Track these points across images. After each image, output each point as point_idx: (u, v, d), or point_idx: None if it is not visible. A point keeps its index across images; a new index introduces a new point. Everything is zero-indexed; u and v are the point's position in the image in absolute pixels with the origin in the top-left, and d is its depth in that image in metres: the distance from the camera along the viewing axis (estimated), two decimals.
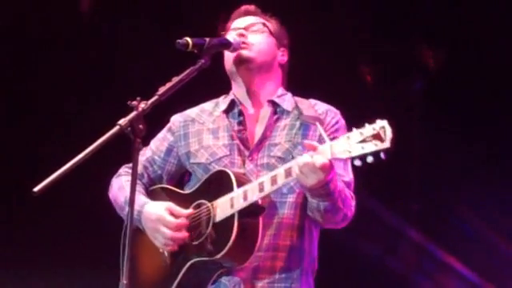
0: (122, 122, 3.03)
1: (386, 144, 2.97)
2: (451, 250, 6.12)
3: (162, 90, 3.23)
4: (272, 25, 3.75)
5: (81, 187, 5.58)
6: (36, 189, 2.87)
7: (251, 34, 3.67)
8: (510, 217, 5.97)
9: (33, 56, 6.24)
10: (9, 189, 6.06)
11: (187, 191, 3.65)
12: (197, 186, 3.59)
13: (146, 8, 6.16)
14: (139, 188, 3.70)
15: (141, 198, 3.63)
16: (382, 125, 2.99)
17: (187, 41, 3.37)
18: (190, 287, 3.49)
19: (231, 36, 3.61)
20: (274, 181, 3.31)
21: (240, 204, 3.36)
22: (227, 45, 3.56)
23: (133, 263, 3.51)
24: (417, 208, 6.26)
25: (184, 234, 3.48)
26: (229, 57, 3.65)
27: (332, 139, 3.22)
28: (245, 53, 3.62)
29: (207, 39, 3.43)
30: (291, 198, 3.52)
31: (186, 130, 3.73)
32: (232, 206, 3.38)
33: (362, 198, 3.58)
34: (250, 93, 3.69)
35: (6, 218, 6.30)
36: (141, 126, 3.06)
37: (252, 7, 3.79)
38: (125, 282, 2.96)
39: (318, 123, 3.43)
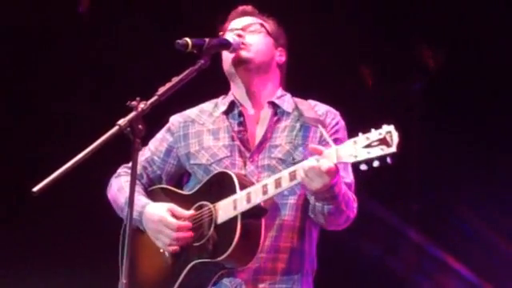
0: (122, 122, 3.02)
1: (393, 149, 3.00)
2: (451, 250, 6.12)
3: (161, 90, 3.23)
4: (269, 25, 3.75)
5: (80, 187, 5.58)
6: (35, 189, 2.87)
7: (249, 35, 3.66)
8: (509, 217, 5.97)
9: (33, 56, 6.23)
10: (9, 189, 6.06)
11: (188, 192, 3.65)
12: (198, 187, 3.59)
13: (146, 8, 6.16)
14: (139, 188, 3.70)
15: (142, 199, 3.63)
16: (388, 130, 3.03)
17: (187, 41, 3.37)
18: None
19: (230, 36, 3.61)
20: (278, 184, 3.31)
21: (243, 206, 3.36)
22: (227, 45, 3.56)
23: (133, 264, 3.53)
24: (417, 208, 6.26)
25: (186, 235, 3.47)
26: (227, 58, 3.65)
27: (333, 140, 3.25)
28: (243, 53, 3.61)
29: (207, 39, 3.43)
30: (292, 200, 3.53)
31: (185, 130, 3.73)
32: (235, 208, 3.38)
33: (362, 198, 3.59)
34: (249, 93, 3.68)
35: (6, 218, 6.30)
36: (140, 127, 3.05)
37: (249, 7, 3.79)
38: (124, 281, 2.96)
39: (320, 125, 3.45)
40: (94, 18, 6.19)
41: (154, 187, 3.76)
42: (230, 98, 3.72)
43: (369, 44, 6.17)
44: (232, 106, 3.69)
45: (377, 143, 3.03)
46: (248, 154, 3.58)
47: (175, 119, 3.78)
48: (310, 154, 3.40)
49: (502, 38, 5.93)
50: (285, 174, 3.31)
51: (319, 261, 3.64)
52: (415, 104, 6.22)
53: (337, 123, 3.63)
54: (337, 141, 3.41)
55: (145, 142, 3.60)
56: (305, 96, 3.75)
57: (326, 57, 5.99)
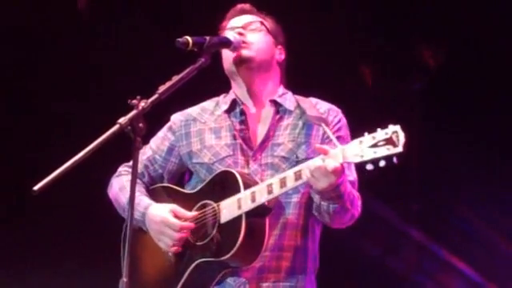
0: (122, 120, 3.02)
1: (399, 148, 3.02)
2: (451, 249, 6.12)
3: (162, 88, 3.23)
4: (269, 23, 3.74)
5: (81, 186, 5.58)
6: (36, 187, 2.87)
7: (250, 33, 3.66)
8: (509, 217, 5.97)
9: (33, 56, 6.23)
10: (9, 189, 6.06)
11: (190, 191, 3.65)
12: (201, 186, 3.58)
13: (146, 7, 6.16)
14: (141, 188, 3.70)
15: (145, 200, 3.63)
16: (394, 129, 3.05)
17: (187, 39, 3.36)
18: (194, 287, 3.49)
19: (231, 35, 3.60)
20: (283, 183, 3.32)
21: (248, 205, 3.36)
22: (227, 43, 3.55)
23: (136, 263, 3.54)
24: (417, 208, 6.26)
25: (187, 235, 3.48)
26: (228, 56, 3.64)
27: (336, 138, 3.28)
28: (245, 52, 3.60)
29: (207, 38, 3.42)
30: (296, 198, 3.53)
31: (187, 129, 3.72)
32: (239, 207, 3.38)
33: (362, 198, 3.59)
34: (250, 92, 3.68)
35: (6, 218, 6.29)
36: (141, 125, 3.05)
37: (247, 6, 3.79)
38: (125, 279, 2.96)
39: (322, 124, 3.45)
40: (93, 17, 6.19)
41: (156, 186, 3.76)
42: (231, 96, 3.71)
43: (369, 44, 6.17)
44: (233, 104, 3.69)
45: (383, 143, 3.05)
46: (251, 153, 3.58)
47: (176, 118, 3.78)
48: (313, 152, 3.41)
49: (502, 38, 5.93)
50: (290, 173, 3.32)
51: (320, 260, 3.64)
52: (415, 104, 6.22)
53: (339, 121, 3.63)
54: (340, 138, 3.42)
55: (146, 141, 3.60)
56: (305, 96, 3.75)
57: (326, 56, 5.99)
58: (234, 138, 3.62)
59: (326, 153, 3.22)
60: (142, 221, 3.59)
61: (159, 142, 3.77)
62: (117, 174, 3.81)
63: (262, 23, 3.72)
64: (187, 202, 3.57)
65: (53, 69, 6.22)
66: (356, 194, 3.49)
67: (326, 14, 6.08)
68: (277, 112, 3.65)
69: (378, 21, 6.11)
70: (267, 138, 3.59)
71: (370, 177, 3.50)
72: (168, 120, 3.80)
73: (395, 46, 6.17)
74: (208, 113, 3.74)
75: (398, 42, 6.15)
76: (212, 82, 3.69)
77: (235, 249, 3.32)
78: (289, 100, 3.68)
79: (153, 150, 3.76)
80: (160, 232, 3.52)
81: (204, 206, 3.51)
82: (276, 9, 3.84)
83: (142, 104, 3.09)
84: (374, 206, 5.92)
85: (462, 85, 6.03)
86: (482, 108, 5.97)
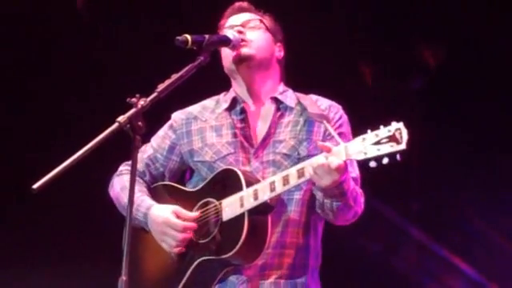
0: (121, 118, 3.02)
1: (402, 146, 3.03)
2: (451, 248, 6.11)
3: (161, 86, 3.23)
4: (267, 20, 3.75)
5: (80, 186, 5.58)
6: (35, 186, 2.87)
7: (249, 31, 3.66)
8: (509, 216, 5.97)
9: (33, 56, 6.23)
10: (9, 189, 6.05)
11: (192, 189, 3.65)
12: (203, 184, 3.59)
13: (146, 8, 6.16)
14: (142, 187, 3.70)
15: (146, 201, 3.63)
16: (397, 127, 3.06)
17: (186, 38, 3.37)
18: (196, 285, 3.48)
19: (230, 33, 3.60)
20: (285, 181, 3.32)
21: (250, 203, 3.36)
22: (227, 42, 3.56)
23: (138, 262, 3.56)
24: (417, 207, 6.25)
25: (190, 235, 3.48)
26: (227, 55, 3.64)
27: (338, 134, 3.29)
28: (245, 50, 3.61)
29: (206, 36, 3.43)
30: (298, 195, 3.53)
31: (188, 127, 3.72)
32: (242, 205, 3.38)
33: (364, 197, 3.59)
34: (250, 90, 3.68)
35: (6, 218, 6.29)
36: (140, 123, 3.05)
37: (245, 4, 3.79)
38: (124, 278, 2.95)
39: (325, 121, 3.45)
40: (93, 17, 6.19)
41: (157, 184, 3.76)
42: (231, 94, 3.71)
43: (369, 44, 6.17)
44: (234, 102, 3.69)
45: (386, 140, 3.06)
46: (252, 150, 3.58)
47: (177, 116, 3.78)
48: (315, 148, 3.41)
49: (501, 38, 5.92)
50: (292, 171, 3.31)
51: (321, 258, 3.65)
52: (415, 104, 6.22)
53: (340, 117, 3.64)
54: (341, 135, 3.43)
55: (145, 139, 3.59)
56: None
57: (326, 56, 5.99)
58: (235, 135, 3.62)
59: (328, 150, 3.21)
60: (145, 222, 3.60)
61: (160, 140, 3.77)
62: (118, 172, 3.81)
63: (260, 21, 3.72)
64: (189, 200, 3.57)
65: (53, 69, 6.22)
66: (359, 190, 3.49)
67: (326, 14, 6.08)
68: (278, 109, 3.65)
69: (377, 21, 6.11)
70: (268, 135, 3.59)
71: (371, 176, 3.51)
72: (169, 118, 3.80)
73: (395, 46, 6.17)
74: (209, 111, 3.74)
75: (398, 42, 6.15)
76: (212, 81, 3.69)
77: (238, 247, 3.32)
78: (289, 97, 3.68)
79: (154, 148, 3.76)
80: (163, 233, 3.53)
81: (206, 204, 3.51)
82: (276, 9, 3.84)
83: (141, 102, 3.09)
84: (374, 205, 5.92)
85: (462, 85, 6.02)
86: (482, 108, 5.96)
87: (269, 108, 3.66)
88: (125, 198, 3.66)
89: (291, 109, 3.64)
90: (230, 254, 3.34)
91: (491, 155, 6.01)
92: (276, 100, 3.66)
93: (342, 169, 3.21)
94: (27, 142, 6.30)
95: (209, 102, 3.78)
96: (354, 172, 3.52)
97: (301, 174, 3.28)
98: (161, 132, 3.79)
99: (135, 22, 6.17)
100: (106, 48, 6.19)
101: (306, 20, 5.94)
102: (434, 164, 6.12)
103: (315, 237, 3.59)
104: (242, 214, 3.37)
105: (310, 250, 3.55)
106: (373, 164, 3.09)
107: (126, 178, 3.72)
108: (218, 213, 3.44)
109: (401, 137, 3.03)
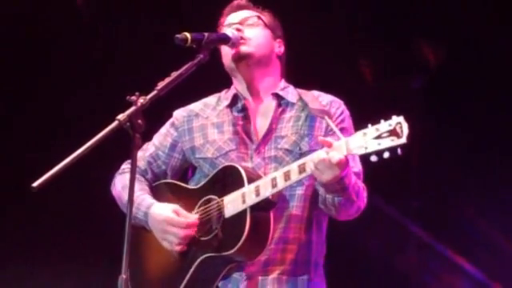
0: (121, 117, 3.02)
1: (403, 139, 3.02)
2: (452, 247, 6.11)
3: (161, 84, 3.23)
4: (266, 17, 3.74)
5: (80, 185, 5.59)
6: (35, 184, 2.87)
7: (247, 28, 3.65)
8: (509, 216, 5.97)
9: (33, 56, 6.24)
10: (9, 189, 6.06)
11: (194, 186, 3.65)
12: (204, 182, 3.58)
13: (145, 6, 6.16)
14: (143, 186, 3.70)
15: (147, 199, 3.63)
16: (398, 121, 3.06)
17: (186, 36, 3.37)
18: (199, 283, 3.48)
19: (229, 31, 3.60)
20: (287, 176, 3.31)
21: (252, 200, 3.36)
22: (226, 39, 3.56)
23: (140, 261, 3.56)
24: (417, 205, 6.25)
25: (193, 233, 3.48)
26: (227, 53, 3.64)
27: (340, 130, 3.29)
28: (244, 48, 3.61)
29: (206, 34, 3.43)
30: (300, 191, 3.53)
31: (189, 124, 3.72)
32: (244, 201, 3.37)
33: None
34: (251, 88, 3.68)
35: (5, 218, 6.30)
36: (140, 121, 3.05)
37: (243, 1, 3.78)
38: (124, 276, 2.95)
39: (326, 117, 3.45)
40: (93, 17, 6.20)
41: (159, 182, 3.75)
42: (232, 91, 3.71)
43: (369, 43, 6.17)
44: (235, 99, 3.69)
45: (387, 134, 3.05)
46: (253, 146, 3.58)
47: (179, 113, 3.78)
48: (317, 144, 3.41)
49: (501, 38, 5.93)
50: (294, 166, 3.31)
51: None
52: (415, 103, 6.22)
53: (342, 113, 3.63)
54: (343, 130, 3.43)
55: (145, 138, 3.59)
56: None
57: (326, 55, 5.99)
58: (237, 132, 3.62)
59: (329, 145, 3.21)
60: (145, 221, 3.60)
61: (162, 138, 3.77)
62: (120, 171, 3.81)
63: (259, 18, 3.72)
64: (191, 197, 3.57)
65: (53, 69, 6.22)
66: (361, 185, 3.49)
67: (326, 14, 6.08)
68: (279, 105, 3.65)
69: (377, 21, 6.11)
70: (270, 130, 3.59)
71: (371, 175, 3.51)
72: (169, 117, 3.80)
73: (395, 46, 6.17)
74: (210, 108, 3.74)
75: (398, 42, 6.15)
76: (213, 78, 3.69)
77: (240, 243, 3.31)
78: (291, 93, 3.68)
79: (156, 146, 3.76)
80: (164, 231, 3.52)
81: (208, 201, 3.51)
82: (276, 9, 3.84)
83: (141, 100, 3.10)
84: (375, 204, 5.91)
85: (462, 84, 6.03)
86: (482, 108, 5.96)
87: (270, 104, 3.66)
88: (126, 197, 3.63)
89: (293, 104, 3.64)
90: (233, 250, 3.33)
91: (491, 155, 6.01)
92: (277, 96, 3.66)
93: (343, 163, 3.20)
94: (27, 142, 6.30)
95: (210, 100, 3.78)
96: (356, 167, 3.51)
97: (302, 169, 3.28)
98: (163, 130, 3.79)
99: (135, 21, 6.17)
100: (106, 48, 6.20)
101: (306, 20, 5.94)
102: (433, 163, 6.13)
103: (318, 232, 3.58)
104: (244, 211, 3.36)
105: (313, 246, 3.54)
106: (374, 158, 3.09)
107: (128, 177, 3.69)
108: (220, 210, 3.44)
109: (401, 131, 3.03)
